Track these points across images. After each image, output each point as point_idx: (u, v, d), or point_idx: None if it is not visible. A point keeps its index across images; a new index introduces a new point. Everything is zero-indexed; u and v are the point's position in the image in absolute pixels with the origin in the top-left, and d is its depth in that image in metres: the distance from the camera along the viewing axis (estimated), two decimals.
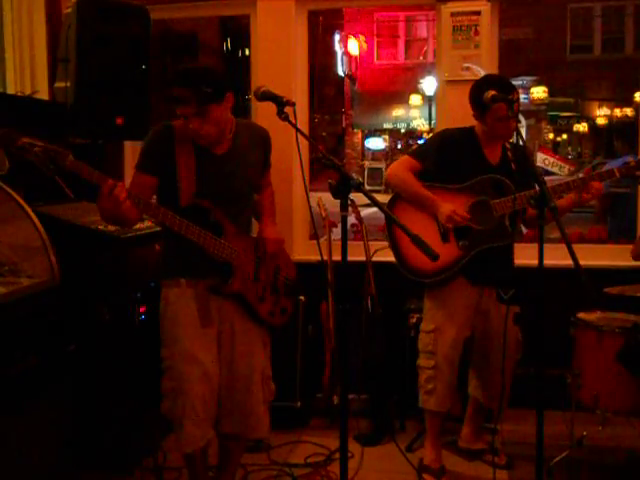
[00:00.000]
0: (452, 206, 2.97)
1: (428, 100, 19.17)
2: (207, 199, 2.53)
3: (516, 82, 18.72)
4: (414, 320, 3.58)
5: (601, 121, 20.89)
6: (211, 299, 2.60)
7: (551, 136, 22.40)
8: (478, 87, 3.01)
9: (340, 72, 20.96)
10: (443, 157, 3.05)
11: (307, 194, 2.55)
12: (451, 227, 2.99)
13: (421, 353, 3.16)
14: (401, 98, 21.09)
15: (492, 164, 3.09)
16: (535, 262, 2.43)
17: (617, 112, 20.25)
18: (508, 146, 3.14)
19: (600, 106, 20.90)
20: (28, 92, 3.72)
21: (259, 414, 2.72)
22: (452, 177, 3.05)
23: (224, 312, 2.64)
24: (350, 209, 2.42)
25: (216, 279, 2.59)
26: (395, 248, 3.11)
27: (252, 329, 2.70)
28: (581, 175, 2.99)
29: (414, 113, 21.35)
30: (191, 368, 2.53)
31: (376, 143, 23.21)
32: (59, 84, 3.40)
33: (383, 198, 3.13)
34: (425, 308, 3.19)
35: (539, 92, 18.81)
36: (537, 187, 2.47)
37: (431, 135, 3.48)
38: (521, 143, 3.20)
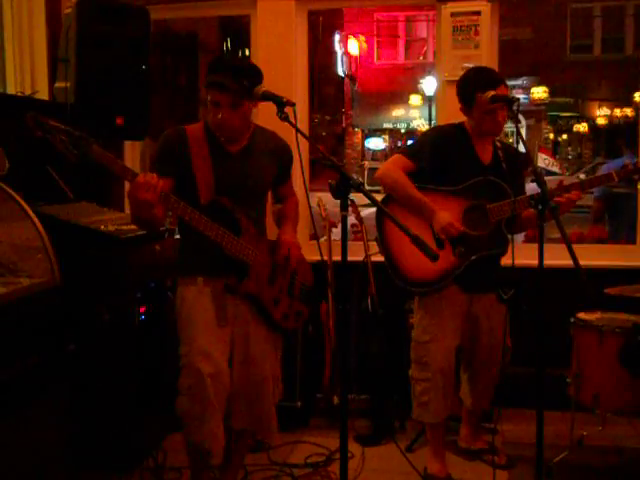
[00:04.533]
0: (448, 216, 2.88)
1: (428, 100, 19.18)
2: (226, 197, 2.55)
3: (516, 82, 18.80)
4: (414, 320, 3.57)
5: (601, 121, 20.89)
6: (227, 299, 2.61)
7: (551, 136, 22.40)
8: (465, 81, 2.98)
9: (340, 72, 20.98)
10: (437, 156, 2.96)
11: (307, 194, 2.56)
12: (444, 238, 2.91)
13: (414, 364, 3.08)
14: (401, 98, 21.11)
15: (484, 163, 3.02)
16: (535, 262, 2.43)
17: (617, 112, 20.25)
18: (499, 145, 3.07)
19: (600, 106, 20.91)
20: (28, 92, 3.72)
21: (270, 414, 2.76)
22: (445, 177, 2.97)
23: (240, 312, 2.65)
24: (350, 209, 2.42)
25: (232, 278, 2.59)
26: (388, 258, 3.01)
27: (266, 331, 2.71)
28: (582, 176, 2.98)
29: (414, 113, 21.37)
30: (206, 366, 2.54)
31: (376, 143, 23.23)
32: (59, 84, 3.40)
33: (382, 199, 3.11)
34: (417, 317, 3.10)
35: (539, 92, 18.83)
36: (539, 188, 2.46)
37: (423, 133, 3.37)
38: (522, 145, 3.17)
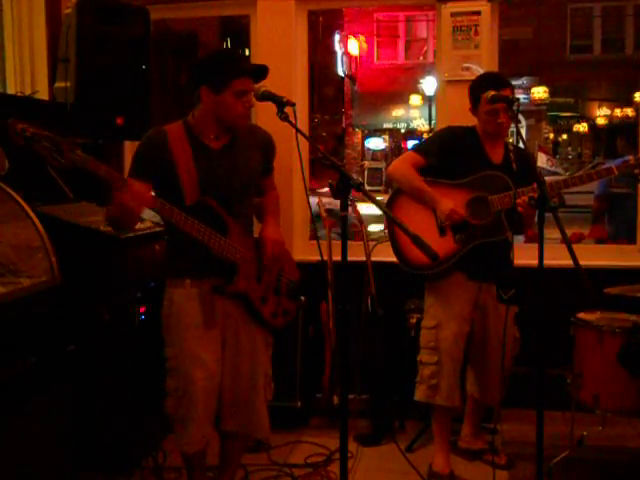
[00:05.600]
0: (451, 203, 3.00)
1: (428, 100, 19.18)
2: (211, 196, 2.54)
3: (516, 82, 18.80)
4: (414, 320, 3.58)
5: (601, 121, 20.90)
6: (216, 299, 2.60)
7: (551, 136, 22.41)
8: (474, 82, 3.12)
9: (340, 72, 20.96)
10: (446, 154, 3.08)
11: (307, 194, 2.55)
12: (448, 224, 3.03)
13: (423, 349, 3.16)
14: (401, 98, 21.11)
15: (494, 163, 3.11)
16: (535, 262, 2.43)
17: (617, 112, 20.27)
18: (511, 147, 3.15)
19: (600, 106, 20.92)
20: (28, 92, 3.72)
21: (262, 413, 2.73)
22: (454, 174, 3.08)
23: (229, 312, 2.64)
24: (350, 209, 2.42)
25: (220, 279, 2.59)
26: (394, 242, 3.14)
27: (256, 329, 2.70)
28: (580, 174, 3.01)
29: (414, 113, 21.37)
30: (195, 369, 2.54)
31: (376, 143, 23.21)
32: (59, 84, 3.40)
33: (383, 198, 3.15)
34: (426, 305, 3.20)
35: (540, 92, 18.84)
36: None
37: (435, 132, 3.49)
38: (522, 144, 3.21)
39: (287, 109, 2.28)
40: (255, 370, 2.69)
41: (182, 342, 2.56)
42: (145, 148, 2.57)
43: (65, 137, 2.17)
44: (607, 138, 19.49)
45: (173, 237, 2.61)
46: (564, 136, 22.96)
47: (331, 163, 2.14)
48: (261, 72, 2.53)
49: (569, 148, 23.16)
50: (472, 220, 3.03)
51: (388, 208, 3.12)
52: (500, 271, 3.06)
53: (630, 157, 2.97)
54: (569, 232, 2.93)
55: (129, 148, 4.27)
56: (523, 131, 20.11)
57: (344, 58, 20.72)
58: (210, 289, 2.58)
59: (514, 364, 3.22)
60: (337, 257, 3.36)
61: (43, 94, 3.79)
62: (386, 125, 22.51)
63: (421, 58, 21.59)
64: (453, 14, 3.83)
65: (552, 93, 19.27)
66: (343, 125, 22.40)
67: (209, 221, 2.50)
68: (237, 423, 2.70)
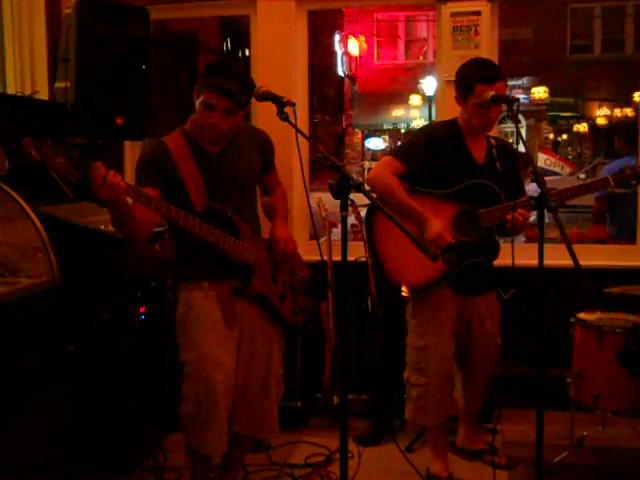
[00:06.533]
0: (438, 226, 2.83)
1: (428, 100, 19.18)
2: (218, 201, 2.55)
3: (516, 82, 18.82)
4: (409, 325, 3.57)
5: (601, 121, 20.90)
6: (234, 301, 2.61)
7: (551, 136, 22.41)
8: (466, 70, 2.92)
9: (340, 72, 20.98)
10: (429, 158, 2.90)
11: (307, 194, 2.56)
12: (433, 247, 2.85)
13: (410, 368, 3.07)
14: (401, 98, 21.11)
15: (478, 163, 2.96)
16: (535, 262, 2.43)
17: (617, 112, 20.27)
18: (493, 142, 3.02)
19: (600, 106, 20.92)
20: (28, 92, 3.72)
21: (273, 413, 2.76)
22: (438, 178, 2.91)
23: (246, 313, 2.65)
24: (350, 209, 2.42)
25: (237, 281, 2.60)
26: (377, 262, 3.02)
27: (271, 330, 2.72)
28: (582, 176, 2.98)
29: (414, 113, 21.36)
30: (215, 371, 2.54)
31: (376, 143, 23.22)
32: (59, 84, 3.40)
33: None
34: (412, 322, 3.08)
35: (540, 92, 18.84)
36: (535, 190, 2.45)
37: (414, 133, 3.16)
38: (522, 146, 3.14)
39: (287, 109, 2.28)
40: (269, 371, 2.71)
41: (202, 346, 2.55)
42: (147, 159, 2.56)
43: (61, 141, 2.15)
44: (607, 138, 19.49)
45: (184, 241, 2.60)
46: (564, 136, 22.96)
47: (331, 163, 2.14)
48: (218, 89, 2.45)
49: (569, 148, 23.16)
50: (462, 238, 2.88)
51: (368, 221, 3.03)
52: (485, 282, 3.01)
53: (626, 166, 2.90)
54: (569, 232, 2.93)
55: (129, 148, 4.28)
56: (523, 131, 20.12)
57: (344, 58, 20.74)
58: (228, 291, 2.59)
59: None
60: (337, 257, 3.36)
61: (43, 94, 3.79)
62: (386, 125, 22.50)
63: (421, 58, 21.59)
64: (453, 14, 3.83)
65: (552, 93, 19.27)
66: (343, 125, 22.41)
67: (220, 225, 2.51)
68: (245, 424, 2.71)
